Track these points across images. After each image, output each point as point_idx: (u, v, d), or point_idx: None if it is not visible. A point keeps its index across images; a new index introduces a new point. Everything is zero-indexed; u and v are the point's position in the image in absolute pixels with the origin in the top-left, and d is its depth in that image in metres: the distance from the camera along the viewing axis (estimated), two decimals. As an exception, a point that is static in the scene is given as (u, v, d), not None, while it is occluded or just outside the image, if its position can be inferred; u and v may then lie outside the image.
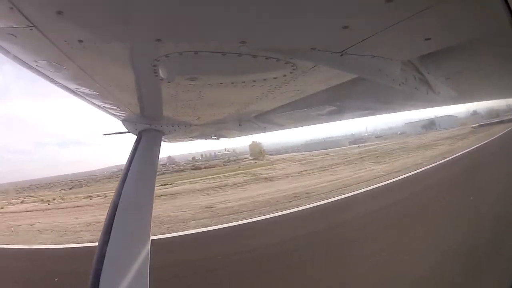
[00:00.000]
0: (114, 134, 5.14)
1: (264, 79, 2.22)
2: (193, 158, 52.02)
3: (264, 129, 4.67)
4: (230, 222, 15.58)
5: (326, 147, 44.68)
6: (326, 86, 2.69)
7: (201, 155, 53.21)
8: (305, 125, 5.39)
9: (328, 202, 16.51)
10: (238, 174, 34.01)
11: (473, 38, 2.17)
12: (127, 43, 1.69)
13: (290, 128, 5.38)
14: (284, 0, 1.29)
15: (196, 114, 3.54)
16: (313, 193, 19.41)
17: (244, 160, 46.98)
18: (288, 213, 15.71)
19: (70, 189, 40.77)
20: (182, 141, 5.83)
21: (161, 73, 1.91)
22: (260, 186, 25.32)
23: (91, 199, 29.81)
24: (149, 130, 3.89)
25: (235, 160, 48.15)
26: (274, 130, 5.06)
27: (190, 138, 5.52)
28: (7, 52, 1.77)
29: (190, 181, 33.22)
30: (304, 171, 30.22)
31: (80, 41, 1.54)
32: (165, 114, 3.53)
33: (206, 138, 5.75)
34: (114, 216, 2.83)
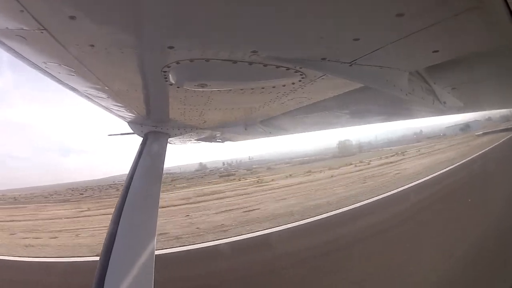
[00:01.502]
0: (120, 135, 5.18)
1: (273, 86, 2.23)
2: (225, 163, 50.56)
3: (270, 134, 4.68)
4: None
5: (400, 143, 46.37)
6: (333, 94, 2.70)
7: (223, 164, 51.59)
8: (311, 131, 5.41)
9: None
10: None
11: (479, 50, 2.18)
12: (138, 49, 1.70)
13: (295, 133, 5.39)
14: (297, 12, 1.31)
15: (202, 118, 3.55)
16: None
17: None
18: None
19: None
20: (186, 143, 5.84)
21: (171, 79, 1.93)
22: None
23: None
24: (155, 132, 3.91)
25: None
26: (279, 135, 5.07)
27: (195, 141, 5.53)
28: (15, 53, 1.79)
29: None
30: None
31: (92, 45, 1.56)
32: (172, 117, 3.55)
33: (211, 142, 5.76)
34: (120, 217, 2.83)
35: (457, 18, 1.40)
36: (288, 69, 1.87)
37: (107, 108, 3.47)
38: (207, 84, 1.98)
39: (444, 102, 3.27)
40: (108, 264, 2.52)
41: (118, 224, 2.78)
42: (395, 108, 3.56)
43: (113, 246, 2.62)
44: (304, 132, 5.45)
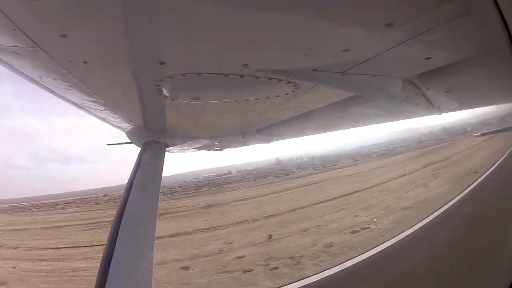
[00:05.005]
0: (118, 144, 5.18)
1: (267, 97, 2.24)
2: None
3: (266, 141, 4.68)
4: None
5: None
6: (327, 102, 2.71)
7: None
8: (309, 135, 5.38)
9: None
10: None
11: (472, 54, 2.19)
12: (131, 65, 1.74)
13: (293, 138, 5.39)
14: (284, 25, 1.32)
15: (199, 128, 3.56)
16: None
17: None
18: None
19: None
20: (185, 152, 5.84)
21: (165, 92, 1.95)
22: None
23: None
24: (153, 142, 3.91)
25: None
26: (276, 141, 5.07)
27: (194, 150, 5.54)
28: (11, 67, 1.83)
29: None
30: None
31: (85, 62, 1.60)
32: (169, 127, 3.56)
33: (209, 150, 5.76)
34: (119, 227, 2.82)
35: (448, 25, 1.41)
36: (280, 80, 1.88)
37: (104, 120, 3.48)
38: (200, 97, 2.00)
39: (439, 106, 3.28)
40: (107, 275, 2.50)
41: (117, 235, 2.76)
42: (389, 112, 3.55)
43: (112, 258, 2.61)
44: (303, 136, 5.45)
